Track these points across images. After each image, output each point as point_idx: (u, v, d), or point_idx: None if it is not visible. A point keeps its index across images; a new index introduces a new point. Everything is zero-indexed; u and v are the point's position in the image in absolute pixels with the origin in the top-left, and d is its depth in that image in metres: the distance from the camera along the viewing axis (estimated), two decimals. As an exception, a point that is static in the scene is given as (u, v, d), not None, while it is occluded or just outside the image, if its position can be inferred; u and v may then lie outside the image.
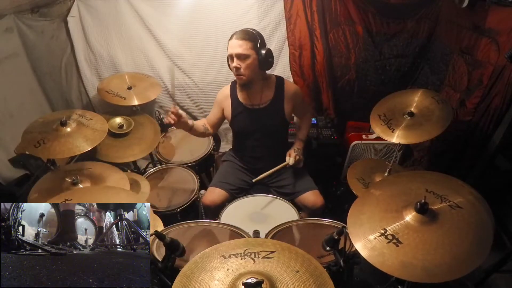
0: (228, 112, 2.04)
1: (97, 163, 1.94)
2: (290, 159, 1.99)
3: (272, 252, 1.11)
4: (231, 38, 1.82)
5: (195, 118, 2.99)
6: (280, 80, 2.00)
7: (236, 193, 2.07)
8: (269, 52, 1.84)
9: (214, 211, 1.95)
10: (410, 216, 1.20)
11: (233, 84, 2.05)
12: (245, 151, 2.13)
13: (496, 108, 1.94)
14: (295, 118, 2.67)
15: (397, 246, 1.13)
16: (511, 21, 1.82)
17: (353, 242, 1.20)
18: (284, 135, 2.16)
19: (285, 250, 1.12)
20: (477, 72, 2.06)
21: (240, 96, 2.00)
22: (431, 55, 2.60)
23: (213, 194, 2.03)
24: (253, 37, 1.80)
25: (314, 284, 1.00)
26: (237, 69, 1.81)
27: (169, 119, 1.83)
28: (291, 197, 2.03)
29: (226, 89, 2.06)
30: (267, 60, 1.85)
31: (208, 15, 2.60)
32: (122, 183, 1.79)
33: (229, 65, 1.90)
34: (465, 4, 2.03)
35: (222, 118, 2.12)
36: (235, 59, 1.80)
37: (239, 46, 1.77)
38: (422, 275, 1.07)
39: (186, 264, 1.09)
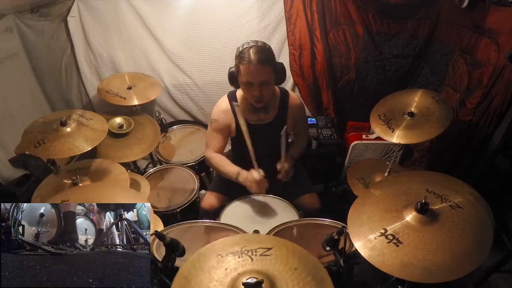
0: (233, 129, 1.89)
1: (96, 160, 1.94)
2: (281, 173, 1.81)
3: (269, 248, 1.10)
4: (247, 62, 1.59)
5: (195, 118, 2.99)
6: (284, 94, 1.88)
7: (234, 197, 2.04)
8: (282, 66, 1.73)
9: (213, 216, 1.89)
10: (410, 216, 1.20)
11: (232, 98, 1.87)
12: (242, 154, 2.03)
13: (496, 108, 1.94)
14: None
15: (397, 246, 1.13)
16: (511, 21, 1.82)
17: (353, 242, 1.20)
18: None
19: (282, 246, 1.12)
20: (477, 72, 2.06)
21: (243, 111, 1.82)
22: (431, 55, 2.60)
23: (211, 199, 1.99)
24: (271, 57, 1.65)
25: (313, 280, 1.00)
26: (260, 96, 1.67)
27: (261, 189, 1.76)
28: (288, 199, 2.01)
29: (226, 105, 1.87)
30: (282, 76, 1.74)
31: (208, 15, 2.60)
32: (123, 178, 1.79)
33: (234, 82, 1.75)
34: (465, 4, 2.03)
35: (227, 138, 1.98)
36: (257, 87, 1.63)
37: (263, 74, 1.60)
38: (422, 275, 1.07)
39: (183, 265, 1.09)
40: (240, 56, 1.64)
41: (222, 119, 1.87)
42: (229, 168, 1.86)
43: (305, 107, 2.90)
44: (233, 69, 1.75)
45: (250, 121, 1.83)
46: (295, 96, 1.92)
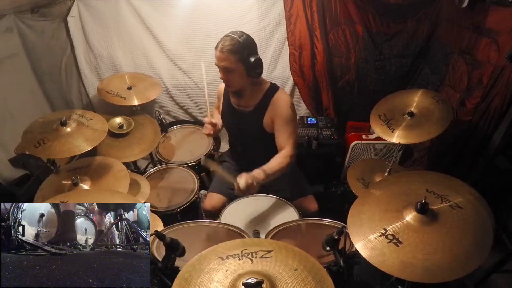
0: (220, 108, 2.09)
1: (97, 158, 1.95)
2: (240, 181, 1.60)
3: (270, 251, 1.11)
4: (216, 46, 1.74)
5: (195, 118, 2.99)
6: (272, 89, 1.87)
7: (234, 196, 2.05)
8: (257, 61, 1.75)
9: (216, 215, 1.91)
10: (410, 216, 1.20)
11: None
12: (240, 154, 2.13)
13: (496, 108, 1.94)
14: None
15: (398, 246, 1.13)
16: (511, 21, 1.82)
17: (353, 242, 1.20)
18: (266, 145, 1.93)
19: (282, 249, 1.12)
20: (477, 72, 2.06)
21: (231, 96, 1.98)
22: (431, 55, 2.60)
23: (212, 200, 2.02)
24: (239, 48, 1.69)
25: (313, 281, 1.00)
26: (224, 80, 1.80)
27: (207, 130, 1.95)
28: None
29: (221, 87, 2.09)
30: (255, 70, 1.77)
31: (208, 15, 2.60)
32: (122, 175, 1.80)
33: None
34: (465, 4, 2.03)
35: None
36: (221, 71, 1.76)
37: (223, 60, 1.72)
38: (422, 275, 1.07)
39: (183, 267, 1.09)
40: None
41: (218, 91, 2.12)
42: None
43: (306, 107, 2.91)
44: None
45: (234, 104, 1.97)
46: (283, 97, 1.84)
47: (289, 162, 1.79)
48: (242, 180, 1.60)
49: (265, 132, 1.90)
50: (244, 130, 1.98)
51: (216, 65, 1.78)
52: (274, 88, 1.88)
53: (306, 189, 2.06)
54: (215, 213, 1.93)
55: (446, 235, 1.14)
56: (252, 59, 1.73)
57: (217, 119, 2.10)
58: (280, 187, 2.04)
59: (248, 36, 1.76)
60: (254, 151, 2.01)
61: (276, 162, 1.76)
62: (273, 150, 1.86)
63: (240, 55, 1.71)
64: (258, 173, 1.68)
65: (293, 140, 1.82)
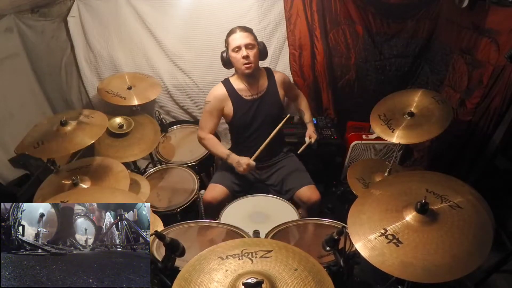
0: (230, 109, 2.06)
1: (96, 158, 1.94)
2: (311, 140, 2.13)
3: (269, 251, 1.11)
4: (233, 32, 1.95)
5: (195, 118, 2.99)
6: (268, 69, 2.16)
7: (237, 189, 2.08)
8: (264, 45, 2.04)
9: (215, 208, 1.95)
10: (410, 216, 1.20)
11: (227, 83, 2.08)
12: (242, 148, 2.12)
13: (496, 108, 1.94)
14: (295, 117, 2.67)
15: (397, 246, 1.13)
16: (511, 21, 1.82)
17: (353, 242, 1.20)
18: (279, 119, 2.10)
19: (281, 249, 1.12)
20: (477, 72, 2.06)
21: (239, 90, 2.05)
22: (431, 55, 2.60)
23: (214, 191, 2.03)
24: (252, 31, 1.98)
25: (313, 281, 1.00)
26: (247, 57, 1.92)
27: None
28: (288, 193, 2.03)
29: (221, 91, 2.06)
30: (265, 51, 2.04)
31: (208, 15, 2.60)
32: (123, 176, 1.80)
33: (226, 60, 2.03)
34: (465, 4, 2.03)
35: (219, 120, 2.15)
36: (243, 49, 1.92)
37: (246, 37, 1.92)
38: (423, 275, 1.07)
39: (183, 267, 1.09)
40: (228, 34, 1.98)
41: (214, 101, 2.05)
42: (221, 149, 2.09)
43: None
44: (224, 52, 2.03)
45: (246, 97, 2.05)
46: (276, 71, 2.20)
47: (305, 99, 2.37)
48: (313, 139, 2.15)
49: (281, 106, 2.16)
50: (263, 115, 2.08)
51: (236, 47, 1.93)
52: (268, 69, 2.17)
53: (307, 178, 2.08)
54: (215, 206, 1.95)
55: (446, 235, 1.14)
56: (262, 44, 2.02)
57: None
58: (280, 178, 2.08)
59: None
60: (269, 133, 2.02)
61: (306, 108, 2.32)
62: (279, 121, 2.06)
63: (254, 36, 1.99)
64: (311, 127, 2.25)
65: (299, 90, 2.39)
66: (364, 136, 2.61)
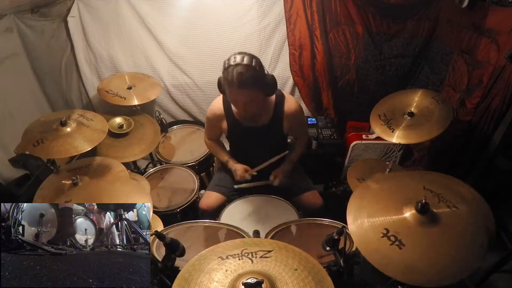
0: (225, 128, 1.93)
1: (96, 158, 1.95)
2: (275, 181, 1.88)
3: (269, 251, 1.11)
4: (230, 83, 1.57)
5: (195, 118, 2.99)
6: (280, 98, 1.84)
7: (233, 196, 2.03)
8: (273, 79, 1.69)
9: (211, 216, 1.89)
10: (410, 217, 1.20)
11: (226, 100, 1.85)
12: (241, 155, 2.05)
13: (496, 108, 1.94)
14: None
15: (400, 248, 1.12)
16: (511, 21, 1.82)
17: (354, 242, 1.20)
18: (282, 146, 2.02)
19: (282, 249, 1.12)
20: (477, 72, 2.05)
21: (236, 113, 1.85)
22: (431, 55, 2.60)
23: (209, 199, 1.98)
24: (256, 79, 1.58)
25: (313, 281, 1.00)
26: (245, 112, 1.74)
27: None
28: (289, 199, 2.01)
29: (218, 109, 1.88)
30: (272, 88, 1.72)
31: (208, 15, 2.60)
32: (123, 175, 1.81)
33: (223, 92, 1.74)
34: (465, 4, 2.03)
35: (220, 132, 2.03)
36: (241, 105, 1.67)
37: (245, 96, 1.60)
38: (423, 276, 1.06)
39: (183, 267, 1.09)
40: (225, 72, 1.59)
41: (213, 118, 1.93)
42: (221, 154, 2.05)
43: (306, 107, 2.91)
44: (220, 81, 1.71)
45: (244, 123, 1.85)
46: (292, 101, 1.86)
47: (306, 145, 2.08)
48: (277, 180, 1.89)
49: (283, 138, 2.00)
50: (261, 144, 1.89)
51: (232, 101, 1.70)
52: (280, 98, 1.84)
53: (309, 184, 2.06)
54: (210, 213, 1.92)
55: (446, 235, 1.14)
56: (268, 79, 1.66)
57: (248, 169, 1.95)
58: (282, 184, 2.04)
59: (254, 55, 1.61)
60: (269, 155, 1.92)
61: (299, 148, 2.02)
62: (282, 148, 1.97)
63: (259, 84, 1.61)
64: (287, 165, 1.96)
65: (307, 128, 2.15)
66: (364, 136, 2.60)
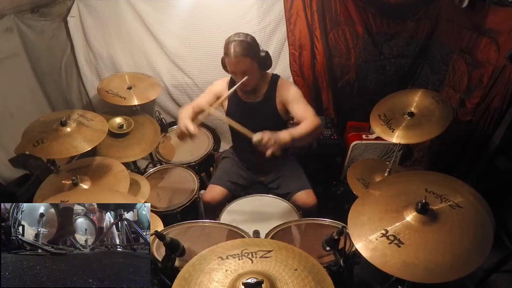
0: (225, 102, 2.06)
1: (96, 158, 1.95)
2: (255, 135, 1.60)
3: (269, 251, 1.11)
4: (229, 55, 1.77)
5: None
6: (275, 77, 2.00)
7: (236, 190, 2.08)
8: (267, 54, 1.89)
9: (215, 208, 1.95)
10: (410, 217, 1.20)
11: (231, 79, 2.00)
12: (242, 146, 2.12)
13: (496, 108, 1.94)
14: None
15: (399, 246, 1.13)
16: (511, 21, 1.82)
17: (354, 243, 1.20)
18: (279, 129, 1.96)
19: (281, 249, 1.13)
20: (477, 72, 2.06)
21: (239, 92, 2.00)
22: (431, 55, 2.60)
23: (213, 192, 2.02)
24: (250, 48, 1.79)
25: (313, 281, 1.00)
26: (245, 82, 1.82)
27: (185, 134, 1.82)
28: (285, 197, 2.02)
29: (224, 81, 2.07)
30: (266, 63, 1.91)
31: (208, 15, 2.60)
32: (123, 176, 1.80)
33: (227, 70, 1.92)
34: (465, 4, 2.03)
35: (208, 105, 2.03)
36: (240, 75, 1.82)
37: (241, 65, 1.78)
38: (424, 275, 1.07)
39: (183, 267, 1.09)
40: (224, 49, 1.82)
41: (216, 85, 2.09)
42: (181, 114, 1.94)
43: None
44: (223, 58, 1.91)
45: (242, 97, 2.01)
46: (285, 82, 2.01)
47: (315, 127, 1.80)
48: (259, 134, 1.59)
49: (279, 118, 1.99)
50: (256, 121, 1.90)
51: (231, 71, 1.85)
52: (275, 77, 2.01)
53: (304, 182, 2.06)
54: (214, 206, 1.95)
55: (446, 235, 1.14)
56: (262, 54, 1.86)
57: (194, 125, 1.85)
58: (278, 182, 2.07)
59: (248, 34, 1.84)
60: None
61: (304, 126, 1.79)
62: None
63: (253, 54, 1.81)
64: (283, 133, 1.67)
65: (311, 110, 1.87)
66: (364, 136, 2.60)
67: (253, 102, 2.00)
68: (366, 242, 1.17)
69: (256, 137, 1.58)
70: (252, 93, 1.98)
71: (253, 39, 1.85)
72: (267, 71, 2.01)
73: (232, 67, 1.82)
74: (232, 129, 2.18)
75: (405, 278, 1.10)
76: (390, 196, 1.33)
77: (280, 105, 1.97)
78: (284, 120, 2.04)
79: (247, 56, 1.78)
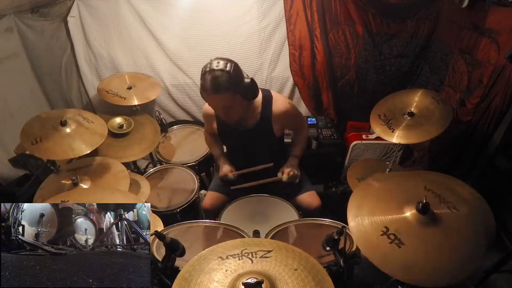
0: (215, 128, 1.95)
1: (97, 158, 1.95)
2: (283, 176, 1.87)
3: (269, 251, 1.11)
4: (204, 89, 1.57)
5: (195, 118, 2.99)
6: (267, 99, 1.78)
7: (234, 195, 2.05)
8: (252, 82, 1.65)
9: (215, 214, 1.91)
10: (411, 217, 1.20)
11: None
12: (238, 159, 2.06)
13: (496, 108, 1.94)
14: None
15: (399, 247, 1.13)
16: (511, 21, 1.82)
17: (354, 240, 1.20)
18: (277, 146, 2.01)
19: (282, 249, 1.12)
20: (477, 72, 2.05)
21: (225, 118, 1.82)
22: (431, 55, 2.60)
23: (212, 199, 2.01)
24: (231, 80, 1.54)
25: (313, 281, 1.00)
26: (225, 117, 1.72)
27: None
28: (288, 199, 2.01)
29: (208, 110, 1.89)
30: (252, 92, 1.69)
31: (208, 15, 2.60)
32: (123, 176, 1.80)
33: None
34: (465, 4, 2.03)
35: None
36: (220, 111, 1.67)
37: (220, 101, 1.60)
38: (425, 278, 1.07)
39: (183, 267, 1.09)
40: (201, 79, 1.58)
41: (205, 116, 2.01)
42: (215, 148, 2.10)
43: (306, 107, 2.91)
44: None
45: (232, 125, 1.81)
46: (280, 101, 1.81)
47: (307, 133, 2.10)
48: (285, 175, 1.88)
49: (274, 138, 1.90)
50: (252, 144, 1.89)
51: (210, 106, 1.71)
52: (268, 98, 1.79)
53: (307, 184, 2.06)
54: (214, 212, 1.94)
55: (446, 235, 1.14)
56: (247, 81, 1.64)
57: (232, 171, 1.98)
58: (280, 184, 2.04)
59: (229, 60, 1.59)
60: (263, 155, 1.92)
61: (302, 144, 2.02)
62: (278, 150, 1.99)
63: (234, 87, 1.57)
64: (292, 160, 1.96)
65: (304, 121, 2.05)
66: (364, 136, 2.60)
67: (245, 128, 1.83)
68: (367, 242, 1.17)
69: (284, 177, 1.88)
70: (242, 122, 1.81)
71: (236, 67, 1.58)
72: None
73: (211, 103, 1.64)
74: (230, 150, 2.13)
75: (405, 281, 1.09)
76: (390, 196, 1.32)
77: (278, 127, 1.84)
78: (279, 137, 1.94)
79: (226, 92, 1.54)
